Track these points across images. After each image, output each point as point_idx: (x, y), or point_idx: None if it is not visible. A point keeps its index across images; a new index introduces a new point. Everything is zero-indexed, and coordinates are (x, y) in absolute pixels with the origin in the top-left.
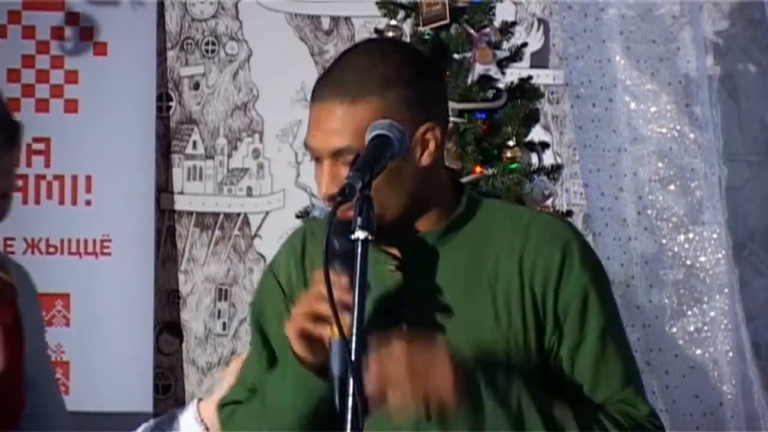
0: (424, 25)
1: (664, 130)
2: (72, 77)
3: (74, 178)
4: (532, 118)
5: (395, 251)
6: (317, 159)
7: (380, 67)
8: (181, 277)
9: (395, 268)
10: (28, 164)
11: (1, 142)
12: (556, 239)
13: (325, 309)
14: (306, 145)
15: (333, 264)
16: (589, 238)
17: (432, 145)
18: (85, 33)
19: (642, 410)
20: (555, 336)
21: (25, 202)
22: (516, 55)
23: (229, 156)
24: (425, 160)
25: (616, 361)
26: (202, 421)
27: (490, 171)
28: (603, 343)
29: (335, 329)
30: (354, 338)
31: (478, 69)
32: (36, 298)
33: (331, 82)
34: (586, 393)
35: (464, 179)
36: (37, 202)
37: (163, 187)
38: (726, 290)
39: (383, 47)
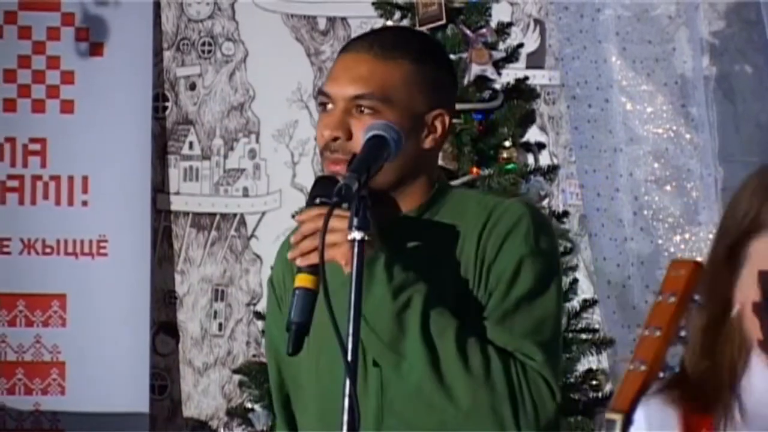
0: (420, 26)
1: (660, 131)
2: (68, 78)
3: (70, 178)
4: (529, 118)
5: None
6: (325, 106)
7: (415, 41)
8: (178, 278)
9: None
10: (25, 165)
11: None
12: (511, 217)
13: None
14: (320, 92)
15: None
16: (586, 239)
17: (438, 131)
18: (81, 33)
19: (536, 357)
20: (486, 298)
21: (21, 202)
22: (512, 56)
23: (226, 156)
24: (428, 143)
25: (524, 320)
26: None
27: (486, 171)
28: (517, 305)
29: (304, 276)
30: (350, 339)
31: (475, 69)
32: None
33: (367, 40)
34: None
35: (460, 180)
36: (33, 202)
37: (160, 188)
38: None
39: (416, 30)
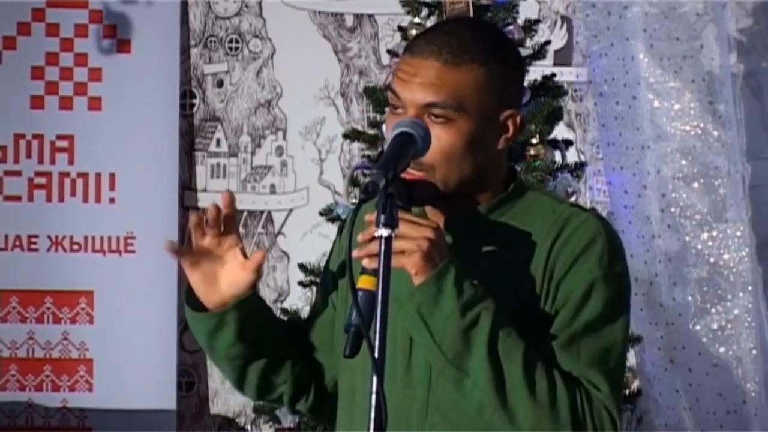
0: None
1: (687, 128)
2: (96, 75)
3: (98, 175)
4: (556, 115)
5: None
6: (395, 108)
7: (485, 41)
8: None
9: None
10: (52, 162)
11: None
12: (586, 233)
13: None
14: (390, 89)
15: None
16: None
17: (510, 131)
18: (109, 31)
19: (602, 388)
20: (551, 313)
21: (48, 199)
22: (539, 53)
23: (253, 153)
24: (501, 143)
25: (591, 347)
26: None
27: None
28: (584, 332)
29: (368, 278)
30: (377, 336)
31: None
32: None
33: (435, 42)
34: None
35: None
36: (61, 199)
37: (187, 185)
38: (749, 288)
39: (486, 24)
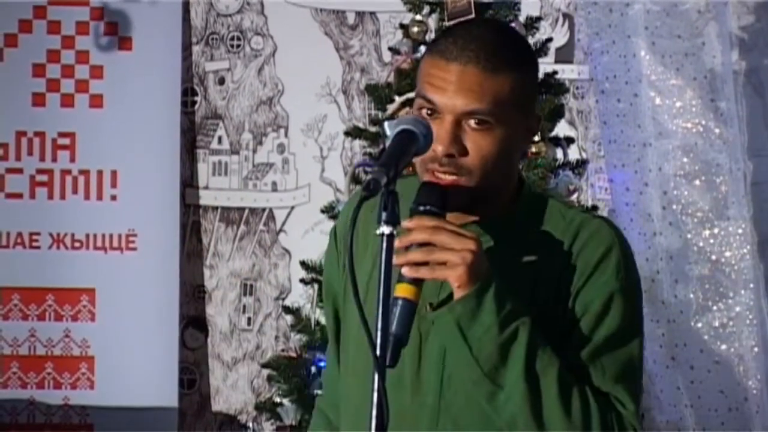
0: (449, 21)
1: (689, 125)
2: (97, 72)
3: (99, 173)
4: (557, 113)
5: (461, 221)
6: (430, 114)
7: (515, 47)
8: (206, 272)
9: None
10: (54, 159)
11: None
12: (600, 243)
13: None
14: (422, 97)
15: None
16: None
17: (532, 135)
18: (110, 28)
19: (628, 406)
20: (566, 323)
21: (50, 197)
22: (541, 51)
23: (254, 151)
24: (524, 147)
25: (615, 362)
26: None
27: None
28: (606, 346)
29: (407, 287)
30: (379, 334)
31: None
32: None
33: (470, 46)
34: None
35: None
36: (63, 197)
37: (188, 182)
38: (751, 285)
39: (509, 28)
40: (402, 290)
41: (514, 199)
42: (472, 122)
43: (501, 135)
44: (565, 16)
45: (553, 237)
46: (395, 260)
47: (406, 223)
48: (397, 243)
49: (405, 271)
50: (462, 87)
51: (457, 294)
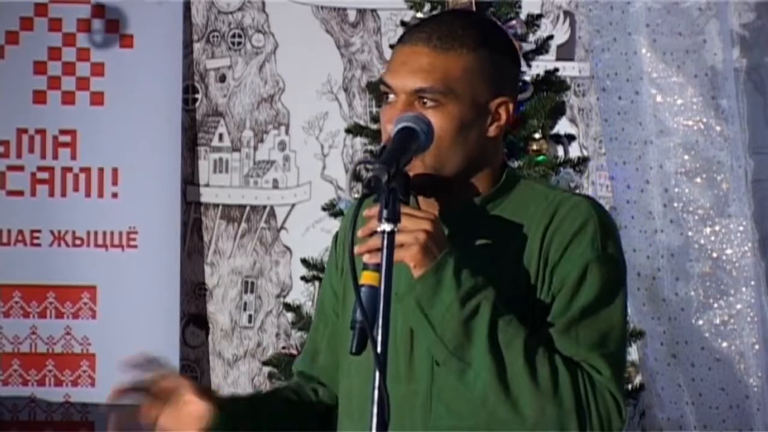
0: None
1: (690, 123)
2: (98, 70)
3: (100, 170)
4: (558, 110)
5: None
6: (387, 98)
7: (475, 28)
8: (207, 270)
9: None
10: (55, 156)
11: None
12: (577, 216)
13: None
14: (382, 82)
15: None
16: None
17: (502, 119)
18: (112, 25)
19: (603, 372)
20: (548, 299)
21: (51, 194)
22: (542, 48)
23: (255, 148)
24: (493, 131)
25: (590, 330)
26: None
27: (516, 163)
28: (582, 314)
29: (370, 274)
30: (380, 332)
31: None
32: None
33: (425, 31)
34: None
35: None
36: (64, 194)
37: (189, 180)
38: (752, 283)
39: (479, 16)
40: (366, 278)
41: (494, 183)
42: (423, 101)
43: (455, 112)
44: (566, 13)
45: (534, 218)
46: (356, 250)
47: (365, 213)
48: (359, 233)
49: (366, 258)
50: (412, 67)
51: (415, 274)
